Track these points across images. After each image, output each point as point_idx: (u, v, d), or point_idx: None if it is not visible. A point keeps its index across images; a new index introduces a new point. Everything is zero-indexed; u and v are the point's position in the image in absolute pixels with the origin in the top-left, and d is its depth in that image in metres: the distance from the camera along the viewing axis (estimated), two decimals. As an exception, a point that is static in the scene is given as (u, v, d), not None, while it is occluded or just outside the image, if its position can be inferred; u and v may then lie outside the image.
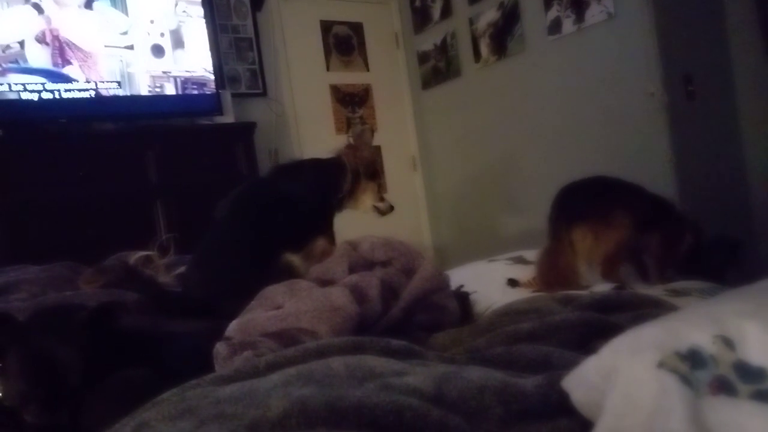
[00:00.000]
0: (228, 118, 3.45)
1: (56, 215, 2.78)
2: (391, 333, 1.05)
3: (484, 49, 3.79)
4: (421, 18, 4.28)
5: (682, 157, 2.87)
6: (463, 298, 1.40)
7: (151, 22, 3.23)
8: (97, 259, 1.77)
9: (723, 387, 0.54)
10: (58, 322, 0.95)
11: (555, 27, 3.32)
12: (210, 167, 3.22)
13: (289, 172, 1.73)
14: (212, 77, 3.42)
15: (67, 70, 2.97)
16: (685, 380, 0.54)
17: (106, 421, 0.72)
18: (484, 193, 3.95)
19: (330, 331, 1.03)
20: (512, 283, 1.63)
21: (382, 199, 1.88)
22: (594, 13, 3.10)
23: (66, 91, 2.94)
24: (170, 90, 3.29)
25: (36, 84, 2.87)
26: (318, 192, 1.67)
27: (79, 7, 3.02)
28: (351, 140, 1.86)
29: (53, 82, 2.91)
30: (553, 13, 3.32)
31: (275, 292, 1.21)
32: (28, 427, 0.86)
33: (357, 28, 4.37)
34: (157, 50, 3.25)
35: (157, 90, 3.25)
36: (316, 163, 1.76)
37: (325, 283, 1.23)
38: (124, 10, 3.15)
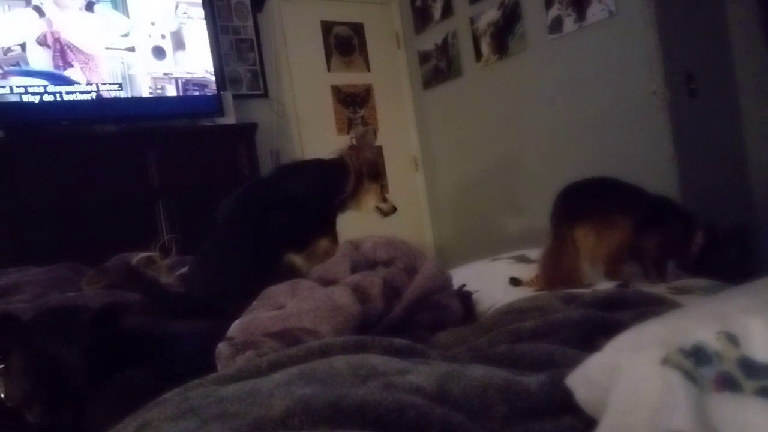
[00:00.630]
0: (229, 119, 3.45)
1: (58, 217, 2.78)
2: (394, 332, 1.05)
3: (485, 48, 3.79)
4: (421, 18, 4.28)
5: (684, 155, 2.86)
6: (465, 297, 1.40)
7: (152, 23, 3.23)
8: (100, 260, 1.76)
9: (727, 383, 0.54)
10: (62, 323, 0.95)
11: (556, 26, 3.32)
12: (211, 168, 3.22)
13: (291, 173, 1.72)
14: (213, 78, 3.42)
15: (68, 73, 2.97)
16: (690, 377, 0.53)
17: (109, 421, 0.72)
18: (485, 193, 3.95)
19: (332, 331, 1.03)
20: (515, 282, 1.63)
21: (384, 200, 1.86)
22: (595, 12, 3.10)
23: (67, 93, 2.95)
24: (171, 91, 3.29)
25: (37, 86, 2.87)
26: (321, 192, 1.66)
27: (80, 9, 3.03)
28: (354, 141, 1.86)
29: (55, 84, 2.92)
30: (554, 11, 3.31)
31: (277, 291, 1.21)
32: (31, 428, 0.86)
33: (358, 29, 4.38)
34: (158, 52, 3.25)
35: (159, 92, 3.25)
36: (318, 164, 1.75)
37: (327, 282, 1.23)
38: (125, 12, 3.15)
